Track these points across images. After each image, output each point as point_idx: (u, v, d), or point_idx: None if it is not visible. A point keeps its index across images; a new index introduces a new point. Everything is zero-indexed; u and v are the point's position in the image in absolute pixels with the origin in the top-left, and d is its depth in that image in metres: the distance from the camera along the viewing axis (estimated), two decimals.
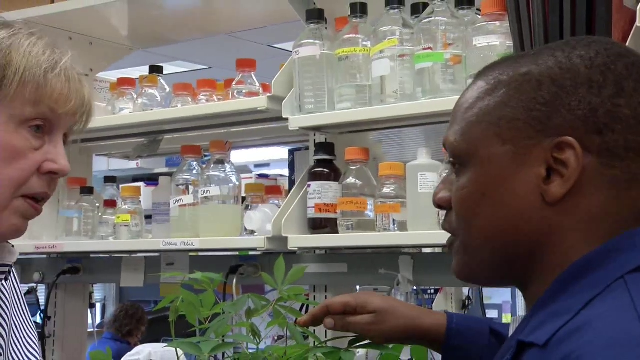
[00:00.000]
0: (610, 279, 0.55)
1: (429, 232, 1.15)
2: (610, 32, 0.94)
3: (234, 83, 1.42)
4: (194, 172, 1.43)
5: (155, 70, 1.59)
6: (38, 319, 1.71)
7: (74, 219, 1.56)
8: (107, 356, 0.90)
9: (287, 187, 1.58)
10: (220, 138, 1.49)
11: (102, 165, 2.85)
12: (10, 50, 0.67)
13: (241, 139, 1.64)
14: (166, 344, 0.87)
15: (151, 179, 2.16)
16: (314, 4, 1.35)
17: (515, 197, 0.58)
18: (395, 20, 1.20)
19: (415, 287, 1.30)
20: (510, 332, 0.64)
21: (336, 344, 0.84)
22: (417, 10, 1.23)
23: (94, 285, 2.08)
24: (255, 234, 1.35)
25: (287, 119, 1.28)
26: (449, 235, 0.65)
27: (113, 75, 1.78)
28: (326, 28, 1.29)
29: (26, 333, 0.77)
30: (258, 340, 0.85)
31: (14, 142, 0.67)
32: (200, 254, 1.56)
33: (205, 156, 1.50)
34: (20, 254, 1.46)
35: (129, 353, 3.01)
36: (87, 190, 1.58)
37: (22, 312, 0.78)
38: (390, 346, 0.84)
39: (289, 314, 0.87)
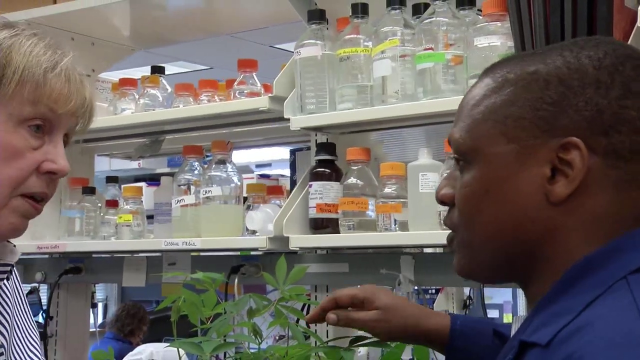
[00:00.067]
0: (613, 279, 0.55)
1: (430, 232, 1.16)
2: (611, 32, 0.94)
3: (235, 83, 1.42)
4: (196, 172, 1.43)
5: (157, 70, 1.59)
6: (40, 319, 1.71)
7: (76, 219, 1.56)
8: (109, 355, 0.91)
9: (288, 187, 1.59)
10: (222, 138, 1.49)
11: (104, 165, 2.86)
12: (10, 50, 0.67)
13: (243, 139, 1.64)
14: (168, 344, 0.87)
15: (153, 179, 2.17)
16: (315, 4, 1.35)
17: (519, 196, 0.58)
18: (396, 20, 1.20)
19: (416, 287, 1.30)
20: (512, 332, 0.65)
21: (337, 344, 0.84)
22: (418, 10, 1.23)
23: (96, 285, 2.08)
24: (257, 234, 1.35)
25: (288, 119, 1.28)
26: (447, 238, 0.65)
27: (115, 75, 1.78)
28: (327, 28, 1.29)
29: (28, 333, 0.77)
30: (259, 340, 0.85)
31: (12, 141, 0.67)
32: (202, 253, 1.56)
33: (207, 156, 1.50)
34: (23, 253, 1.47)
35: (130, 353, 3.01)
36: (89, 191, 1.58)
37: (24, 312, 0.78)
38: (393, 345, 0.84)
39: (291, 314, 0.87)
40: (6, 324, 0.73)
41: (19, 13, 1.48)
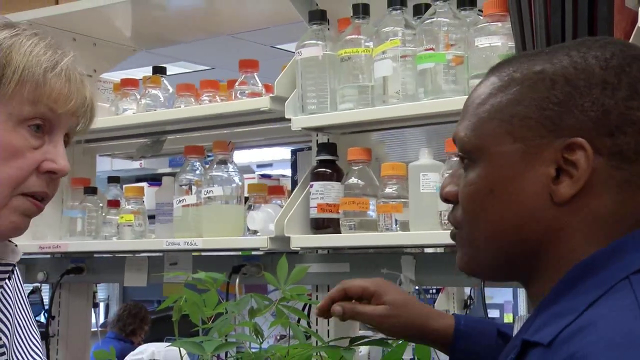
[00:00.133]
0: (615, 279, 0.55)
1: (431, 232, 1.16)
2: (612, 33, 0.94)
3: (236, 84, 1.42)
4: (197, 172, 1.43)
5: (159, 71, 1.60)
6: (42, 319, 1.71)
7: (78, 219, 1.57)
8: (110, 355, 0.91)
9: (289, 187, 1.59)
10: (223, 138, 1.49)
11: (105, 165, 2.86)
12: (10, 50, 0.67)
13: (244, 139, 1.64)
14: (169, 344, 0.87)
15: (154, 179, 2.17)
16: (317, 5, 1.36)
17: (524, 196, 0.58)
18: (397, 21, 1.20)
19: (417, 287, 1.30)
20: (515, 332, 0.65)
21: (339, 344, 0.85)
22: (419, 11, 1.23)
23: (98, 285, 2.09)
24: (258, 234, 1.35)
25: (289, 120, 1.28)
26: (450, 234, 0.65)
27: (116, 76, 1.78)
28: (328, 29, 1.30)
29: (29, 332, 0.77)
30: (261, 340, 0.86)
31: (12, 140, 0.67)
32: (203, 253, 1.56)
33: (208, 156, 1.50)
34: (25, 253, 1.47)
35: (132, 352, 3.02)
36: (91, 191, 1.59)
37: (25, 312, 0.78)
38: (393, 345, 0.84)
39: (292, 314, 0.88)
40: (8, 324, 0.73)
41: (21, 13, 1.49)
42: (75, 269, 1.62)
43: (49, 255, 1.67)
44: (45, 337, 1.61)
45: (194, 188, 1.42)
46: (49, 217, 1.56)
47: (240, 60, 1.44)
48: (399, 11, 1.20)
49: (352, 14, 1.25)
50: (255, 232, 1.36)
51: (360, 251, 1.35)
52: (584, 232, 0.58)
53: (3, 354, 0.71)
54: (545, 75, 0.59)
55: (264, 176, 1.76)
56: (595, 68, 0.58)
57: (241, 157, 2.58)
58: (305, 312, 1.30)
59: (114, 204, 1.56)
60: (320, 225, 1.28)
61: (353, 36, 1.24)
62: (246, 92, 1.41)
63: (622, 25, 0.97)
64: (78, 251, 1.60)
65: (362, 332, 1.44)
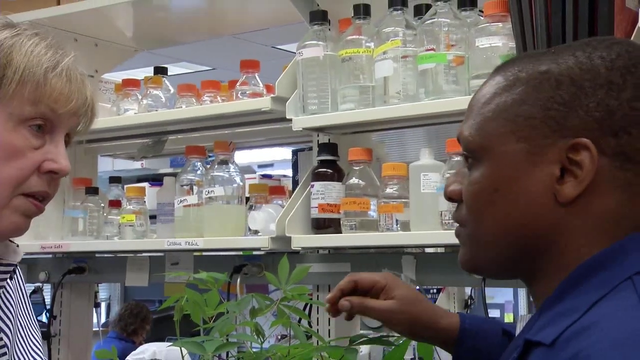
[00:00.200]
0: (618, 279, 0.56)
1: (432, 232, 1.16)
2: (612, 33, 0.94)
3: (237, 84, 1.43)
4: (198, 172, 1.44)
5: (160, 71, 1.60)
6: (44, 318, 1.72)
7: (79, 219, 1.57)
8: (112, 354, 0.91)
9: (290, 187, 1.59)
10: (224, 139, 1.50)
11: (107, 165, 2.87)
12: (11, 50, 0.67)
13: (245, 139, 1.65)
14: (171, 343, 0.87)
15: (156, 180, 2.18)
16: (318, 5, 1.36)
17: (528, 195, 0.59)
18: (398, 21, 1.20)
19: (418, 287, 1.30)
20: (517, 331, 0.65)
21: (340, 344, 0.85)
22: (420, 11, 1.23)
23: (99, 285, 2.09)
24: (259, 233, 1.35)
25: (290, 120, 1.28)
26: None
27: (118, 76, 1.79)
28: (329, 29, 1.30)
29: (30, 332, 0.77)
30: (262, 340, 0.86)
31: (13, 140, 0.67)
32: (205, 253, 1.56)
33: (210, 157, 1.51)
34: (26, 253, 1.47)
35: (133, 352, 3.02)
36: (92, 191, 1.59)
37: (26, 312, 0.78)
38: (397, 341, 0.84)
39: (293, 314, 0.88)
40: (9, 324, 0.73)
41: (23, 14, 1.49)
42: (76, 269, 1.63)
43: (50, 255, 1.67)
44: (46, 336, 1.61)
45: (195, 188, 1.42)
46: (51, 217, 1.57)
47: (242, 61, 1.44)
48: (399, 11, 1.21)
49: (353, 15, 1.26)
50: (256, 232, 1.36)
51: (361, 251, 1.35)
52: (588, 232, 0.58)
53: (4, 354, 0.71)
54: (550, 75, 0.59)
55: (265, 176, 1.76)
56: (600, 68, 0.58)
57: (242, 157, 2.58)
58: (307, 312, 1.30)
59: (116, 204, 1.56)
60: (321, 225, 1.28)
61: (354, 36, 1.24)
62: (247, 92, 1.41)
63: (623, 26, 0.97)
64: (80, 251, 1.60)
65: (362, 332, 1.44)
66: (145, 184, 1.81)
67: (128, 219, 1.51)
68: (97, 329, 2.54)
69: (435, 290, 2.26)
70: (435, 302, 2.03)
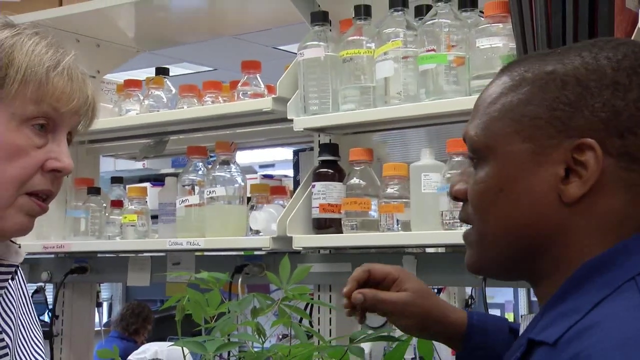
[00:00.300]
0: (621, 279, 0.56)
1: (433, 232, 1.16)
2: (612, 33, 0.94)
3: (239, 84, 1.43)
4: (200, 172, 1.44)
5: (162, 72, 1.61)
6: (46, 318, 1.72)
7: (81, 219, 1.58)
8: (114, 354, 0.92)
9: (291, 187, 1.59)
10: (226, 139, 1.50)
11: (109, 166, 2.87)
12: (12, 50, 0.67)
13: (246, 139, 1.65)
14: (172, 343, 0.88)
15: (157, 180, 2.18)
16: (319, 6, 1.36)
17: (532, 195, 0.59)
18: (399, 22, 1.21)
19: None
20: (521, 331, 0.65)
21: (340, 343, 0.85)
22: (420, 12, 1.23)
23: (101, 285, 2.10)
24: (260, 233, 1.36)
25: (291, 120, 1.29)
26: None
27: (120, 77, 1.79)
28: (330, 30, 1.30)
29: (32, 333, 0.78)
30: (263, 339, 0.86)
31: (16, 140, 0.67)
32: (206, 253, 1.57)
33: (211, 157, 1.51)
34: (29, 253, 1.47)
35: (135, 352, 3.03)
36: (94, 191, 1.60)
37: (28, 312, 0.78)
38: (395, 344, 0.84)
39: (294, 313, 0.88)
40: (11, 324, 0.74)
41: (25, 15, 1.50)
42: (78, 269, 1.63)
43: (52, 255, 1.67)
44: (49, 336, 1.62)
45: (196, 188, 1.42)
46: (53, 217, 1.57)
47: (243, 61, 1.44)
48: (400, 12, 1.21)
49: (353, 15, 1.26)
50: (257, 232, 1.36)
51: (362, 251, 1.36)
52: (592, 233, 0.58)
53: (6, 354, 0.72)
54: (556, 75, 0.59)
55: (266, 176, 1.76)
56: (606, 69, 0.58)
57: (243, 157, 2.58)
58: (308, 311, 1.31)
59: (117, 204, 1.57)
60: (322, 225, 1.28)
61: (355, 37, 1.24)
62: (248, 92, 1.41)
63: (623, 26, 0.97)
64: (81, 251, 1.61)
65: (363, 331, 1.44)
66: (147, 184, 1.81)
67: (130, 219, 1.51)
68: (99, 328, 2.55)
69: (436, 290, 2.26)
70: None
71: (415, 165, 1.21)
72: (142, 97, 1.56)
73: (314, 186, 1.30)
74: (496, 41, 1.10)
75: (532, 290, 0.64)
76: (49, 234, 1.61)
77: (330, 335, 1.31)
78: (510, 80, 0.61)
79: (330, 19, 1.31)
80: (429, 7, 1.20)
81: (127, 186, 1.67)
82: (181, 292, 0.88)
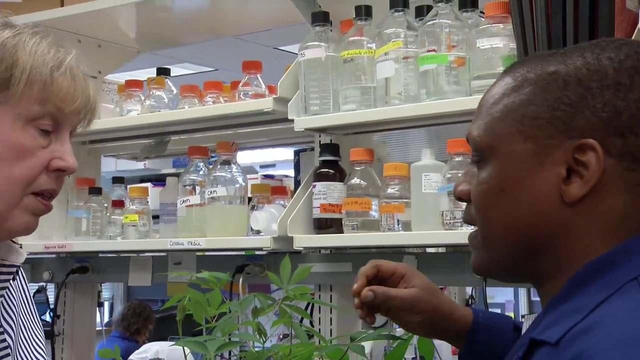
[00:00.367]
0: (624, 279, 0.56)
1: (433, 232, 1.16)
2: (613, 34, 0.94)
3: (240, 85, 1.43)
4: (201, 172, 1.44)
5: (163, 72, 1.61)
6: (47, 318, 1.73)
7: (83, 219, 1.58)
8: (115, 354, 0.92)
9: (292, 187, 1.59)
10: (227, 139, 1.50)
11: (110, 166, 2.87)
12: (16, 50, 0.67)
13: (247, 140, 1.65)
14: (173, 343, 0.88)
15: (158, 180, 2.18)
16: (319, 6, 1.36)
17: (534, 195, 0.59)
18: (399, 22, 1.21)
19: None
20: (523, 330, 0.65)
21: (341, 342, 0.85)
22: (421, 12, 1.24)
23: (102, 284, 2.10)
24: (261, 233, 1.36)
25: (292, 120, 1.29)
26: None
27: (121, 77, 1.80)
28: (331, 30, 1.30)
29: (34, 332, 0.78)
30: (264, 339, 0.86)
31: (22, 140, 0.68)
32: (207, 253, 1.57)
33: (212, 157, 1.51)
34: (30, 253, 1.47)
35: (136, 351, 3.04)
36: (96, 191, 1.60)
37: (29, 312, 0.79)
38: (395, 343, 0.84)
39: (295, 313, 0.88)
40: (12, 324, 0.74)
41: (27, 15, 1.50)
42: (80, 269, 1.64)
43: (54, 255, 1.68)
44: (50, 336, 1.62)
45: (197, 188, 1.43)
46: (54, 217, 1.58)
47: (244, 62, 1.45)
48: (401, 13, 1.21)
49: (354, 16, 1.26)
50: (258, 232, 1.37)
51: (362, 251, 1.36)
52: (594, 233, 0.58)
53: (7, 355, 0.72)
54: (558, 76, 0.59)
55: (267, 176, 1.76)
56: (608, 69, 0.58)
57: (244, 157, 2.59)
58: (308, 311, 1.31)
59: (119, 204, 1.57)
60: (323, 225, 1.29)
61: (355, 37, 1.25)
62: (249, 93, 1.42)
63: (623, 26, 0.97)
64: (83, 251, 1.61)
65: (364, 331, 1.45)
66: (148, 184, 1.82)
67: (131, 219, 1.51)
68: (101, 328, 2.55)
69: None
70: None
71: (416, 165, 1.21)
72: (143, 98, 1.57)
73: (314, 186, 1.30)
74: (497, 41, 1.10)
75: (532, 290, 0.64)
76: (51, 234, 1.61)
77: (331, 335, 1.31)
78: (513, 80, 0.61)
79: (331, 19, 1.31)
80: (429, 8, 1.20)
81: (129, 186, 1.67)
82: (182, 292, 0.88)
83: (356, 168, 1.28)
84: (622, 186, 0.58)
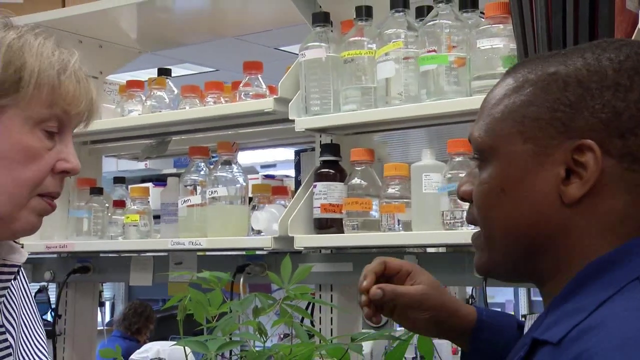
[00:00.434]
0: (626, 279, 0.56)
1: (433, 232, 1.17)
2: (613, 34, 0.95)
3: (241, 85, 1.44)
4: (202, 172, 1.45)
5: (164, 72, 1.61)
6: (49, 317, 1.73)
7: (84, 219, 1.58)
8: (117, 353, 0.92)
9: (293, 187, 1.60)
10: (228, 139, 1.51)
11: (111, 166, 2.88)
12: (22, 52, 0.67)
13: (248, 140, 1.65)
14: (174, 342, 0.88)
15: (159, 180, 2.18)
16: (320, 7, 1.37)
17: (534, 196, 0.59)
18: (400, 23, 1.21)
19: None
20: (526, 330, 0.65)
21: (341, 341, 0.85)
22: (421, 13, 1.24)
23: (104, 284, 2.10)
24: (262, 233, 1.36)
25: (293, 121, 1.29)
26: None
27: (122, 77, 1.80)
28: (332, 31, 1.31)
29: (35, 332, 0.78)
30: (264, 339, 0.87)
31: (31, 143, 0.68)
32: (208, 253, 1.57)
33: (213, 157, 1.52)
34: (32, 253, 1.48)
35: (137, 351, 3.04)
36: (97, 191, 1.60)
37: (30, 311, 0.79)
38: (395, 343, 0.84)
39: (295, 313, 0.89)
40: (14, 323, 0.74)
41: (28, 16, 1.50)
42: (81, 269, 1.64)
43: (55, 255, 1.68)
44: (52, 335, 1.62)
45: (198, 188, 1.43)
46: (56, 217, 1.58)
47: (245, 62, 1.45)
48: (401, 13, 1.21)
49: (355, 16, 1.26)
50: (259, 232, 1.37)
51: (363, 251, 1.36)
52: (594, 233, 0.58)
53: (9, 354, 0.72)
54: (558, 76, 0.59)
55: (267, 177, 1.77)
56: (608, 70, 0.58)
57: (245, 157, 2.59)
58: (309, 311, 1.31)
59: (120, 204, 1.57)
60: (324, 225, 1.29)
61: (356, 38, 1.25)
62: (250, 93, 1.42)
63: (623, 27, 0.97)
64: (84, 251, 1.61)
65: (364, 331, 1.45)
66: (149, 184, 1.82)
67: (132, 219, 1.52)
68: (102, 327, 2.56)
69: None
70: None
71: (416, 165, 1.22)
72: (144, 98, 1.57)
73: (315, 186, 1.30)
74: (497, 42, 1.11)
75: (532, 290, 0.64)
76: (52, 234, 1.61)
77: (331, 335, 1.31)
78: (514, 81, 0.62)
79: (332, 20, 1.31)
80: (429, 8, 1.20)
81: (130, 186, 1.68)
82: (183, 292, 0.89)
83: (357, 168, 1.28)
84: (622, 187, 0.58)
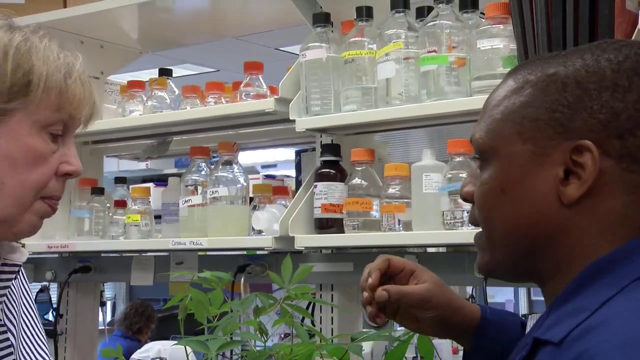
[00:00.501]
0: (627, 279, 0.56)
1: (434, 232, 1.17)
2: (613, 35, 0.95)
3: (241, 85, 1.44)
4: (203, 173, 1.45)
5: (165, 73, 1.61)
6: (50, 317, 1.74)
7: (85, 219, 1.59)
8: (118, 353, 0.92)
9: (293, 187, 1.60)
10: (228, 139, 1.51)
11: (112, 166, 2.88)
12: (30, 55, 0.68)
13: (249, 140, 1.66)
14: (175, 342, 0.88)
15: (160, 180, 2.19)
16: (320, 7, 1.37)
17: (533, 196, 0.59)
18: (400, 23, 1.21)
19: None
20: (527, 330, 0.66)
21: (341, 341, 0.86)
22: (422, 13, 1.24)
23: (105, 284, 2.11)
24: (263, 233, 1.37)
25: (293, 121, 1.29)
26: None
27: (123, 78, 1.80)
28: (332, 31, 1.31)
29: (35, 331, 0.78)
30: (265, 338, 0.87)
31: (38, 146, 0.68)
32: (209, 253, 1.58)
33: (214, 157, 1.52)
34: (33, 253, 1.48)
35: (138, 350, 3.04)
36: (98, 191, 1.61)
37: (30, 310, 0.79)
38: (397, 343, 0.85)
39: (296, 312, 0.89)
40: (15, 323, 0.74)
41: (30, 17, 1.51)
42: (82, 268, 1.64)
43: (57, 255, 1.69)
44: (53, 335, 1.63)
45: (199, 188, 1.43)
46: (57, 217, 1.56)
47: (245, 62, 1.45)
48: (401, 14, 1.22)
49: (355, 17, 1.27)
50: (260, 232, 1.37)
51: (363, 251, 1.36)
52: (594, 233, 0.58)
53: (10, 354, 0.72)
54: (557, 77, 0.60)
55: (268, 177, 1.77)
56: (606, 71, 0.58)
57: (246, 157, 2.59)
58: (310, 311, 1.31)
59: (121, 204, 1.58)
60: (324, 225, 1.29)
61: (356, 38, 1.25)
62: (251, 93, 1.42)
63: (623, 27, 0.97)
64: (85, 251, 1.62)
65: (365, 330, 1.45)
66: (150, 185, 1.83)
67: (133, 219, 1.52)
68: (103, 327, 2.56)
69: None
70: None
71: (417, 165, 1.22)
72: (145, 98, 1.57)
73: (315, 186, 1.30)
74: (497, 42, 1.11)
75: (532, 290, 0.65)
76: (54, 234, 1.62)
77: (332, 335, 1.31)
78: (515, 83, 0.62)
79: (332, 20, 1.32)
80: (430, 9, 1.20)
81: (131, 186, 1.68)
82: (184, 292, 0.89)
83: (357, 168, 1.28)
84: (621, 187, 0.58)
